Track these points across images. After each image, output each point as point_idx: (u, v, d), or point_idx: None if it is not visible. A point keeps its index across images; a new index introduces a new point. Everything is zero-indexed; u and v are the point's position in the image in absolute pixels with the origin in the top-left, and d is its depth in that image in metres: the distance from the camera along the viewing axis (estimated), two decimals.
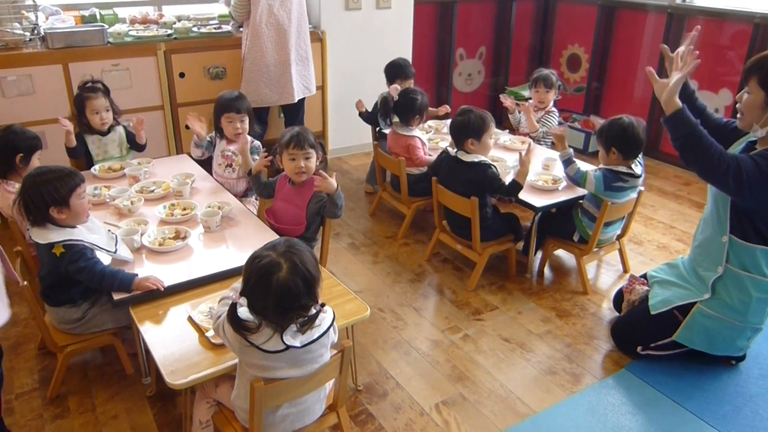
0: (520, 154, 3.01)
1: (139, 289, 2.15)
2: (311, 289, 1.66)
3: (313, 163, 2.68)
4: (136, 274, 2.19)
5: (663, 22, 4.75)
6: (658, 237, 3.71)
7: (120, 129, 3.30)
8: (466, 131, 3.00)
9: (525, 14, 5.69)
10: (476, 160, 2.99)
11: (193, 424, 2.01)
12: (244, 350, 1.71)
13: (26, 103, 3.55)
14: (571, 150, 3.09)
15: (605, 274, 3.31)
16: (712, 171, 2.14)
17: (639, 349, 2.57)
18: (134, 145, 3.35)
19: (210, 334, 1.98)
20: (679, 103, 2.19)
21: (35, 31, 3.68)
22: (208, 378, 1.88)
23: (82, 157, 3.24)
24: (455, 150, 3.08)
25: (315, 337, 1.70)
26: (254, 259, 1.68)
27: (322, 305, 1.73)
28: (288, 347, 1.66)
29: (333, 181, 2.55)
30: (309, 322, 1.68)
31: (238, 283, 1.89)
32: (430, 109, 4.23)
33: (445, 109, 4.18)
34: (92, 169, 3.13)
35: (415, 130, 3.60)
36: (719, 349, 2.48)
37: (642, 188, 3.03)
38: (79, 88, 3.19)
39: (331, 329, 1.77)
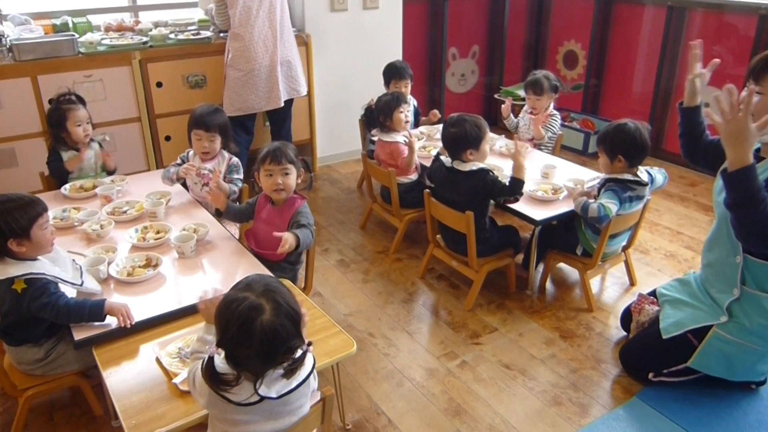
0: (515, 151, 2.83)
1: (111, 314, 1.97)
2: (298, 328, 1.48)
3: (292, 179, 2.48)
4: (104, 299, 2.01)
5: (663, 16, 4.55)
6: (665, 245, 3.51)
7: (95, 146, 3.10)
8: (465, 143, 2.81)
9: (519, 10, 5.48)
10: (474, 168, 2.80)
11: None
12: (213, 403, 1.52)
13: None
14: (584, 199, 2.75)
15: (610, 288, 3.12)
16: (757, 239, 1.95)
17: (651, 375, 2.38)
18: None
19: (178, 380, 1.79)
20: (750, 157, 1.86)
21: (1, 43, 3.47)
22: None
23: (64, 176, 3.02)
24: (450, 161, 2.89)
25: (293, 386, 1.51)
26: (230, 303, 1.47)
27: (309, 343, 1.54)
28: (262, 398, 1.47)
29: (293, 242, 2.30)
30: (297, 365, 1.49)
31: (207, 335, 1.70)
32: (422, 119, 4.06)
33: (435, 115, 3.99)
34: (62, 189, 2.93)
35: (397, 136, 3.40)
36: (738, 374, 2.29)
37: (649, 197, 2.84)
38: (56, 102, 2.97)
39: (312, 376, 1.58)
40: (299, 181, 2.53)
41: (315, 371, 1.63)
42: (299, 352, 1.52)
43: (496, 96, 5.43)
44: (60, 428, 2.25)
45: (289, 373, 1.50)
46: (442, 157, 2.94)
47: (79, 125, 2.93)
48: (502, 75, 5.59)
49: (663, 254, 3.41)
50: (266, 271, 2.28)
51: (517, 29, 5.55)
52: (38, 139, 3.46)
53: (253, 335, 1.42)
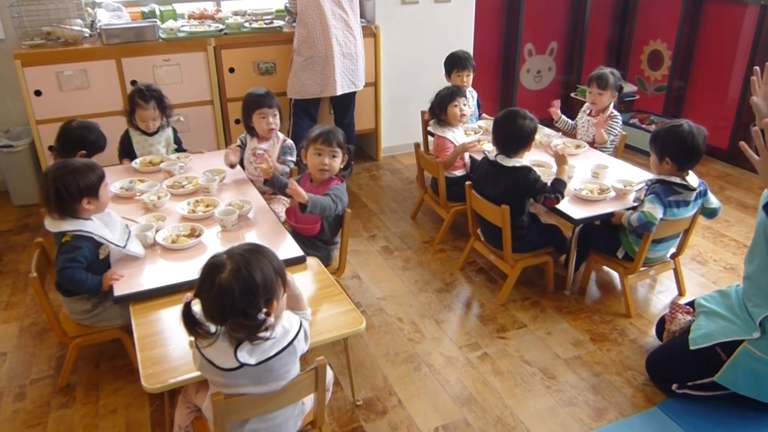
0: (557, 153, 2.86)
1: (106, 287, 2.18)
2: (251, 297, 1.53)
3: (338, 163, 2.62)
4: (101, 278, 2.20)
5: (755, 16, 4.25)
6: (727, 257, 3.31)
7: (168, 131, 3.34)
8: (531, 137, 2.83)
9: (602, 6, 5.29)
10: (518, 164, 2.79)
11: (174, 427, 1.98)
12: (204, 367, 1.65)
13: (82, 97, 3.70)
14: (627, 214, 2.68)
15: (658, 297, 2.99)
16: None
17: (674, 386, 2.28)
18: (179, 149, 3.40)
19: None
20: None
21: (93, 27, 3.82)
22: (183, 384, 1.84)
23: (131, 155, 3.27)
24: (495, 154, 2.88)
25: (272, 354, 1.60)
26: (211, 257, 1.61)
27: (267, 314, 1.58)
28: (242, 365, 1.57)
29: (303, 195, 2.41)
30: (253, 330, 1.56)
31: None
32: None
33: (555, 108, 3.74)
34: (133, 163, 3.20)
35: (447, 131, 3.41)
36: None
37: (698, 207, 2.69)
38: (135, 91, 3.18)
39: (297, 341, 1.67)
40: (341, 165, 2.65)
41: (304, 338, 1.71)
42: (258, 320, 1.56)
43: (572, 95, 5.28)
44: (103, 376, 2.48)
45: (249, 337, 1.57)
46: (486, 152, 2.94)
47: (143, 121, 3.20)
48: (580, 74, 5.43)
49: (722, 266, 3.22)
50: (297, 249, 2.40)
51: (599, 26, 5.36)
52: (120, 116, 3.76)
53: (212, 288, 1.52)
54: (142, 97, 3.16)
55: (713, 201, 2.74)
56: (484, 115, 4.05)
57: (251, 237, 2.51)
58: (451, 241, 3.48)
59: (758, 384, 2.12)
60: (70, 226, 2.20)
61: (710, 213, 2.76)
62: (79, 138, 2.89)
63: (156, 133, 3.29)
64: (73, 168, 2.20)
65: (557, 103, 3.69)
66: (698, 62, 4.82)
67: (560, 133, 3.68)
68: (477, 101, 3.98)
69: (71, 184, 2.15)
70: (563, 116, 3.70)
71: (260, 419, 1.73)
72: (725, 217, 3.72)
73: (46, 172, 2.23)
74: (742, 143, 1.93)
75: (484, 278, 3.14)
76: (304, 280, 2.27)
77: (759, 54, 4.27)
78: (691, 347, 2.21)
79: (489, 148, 3.13)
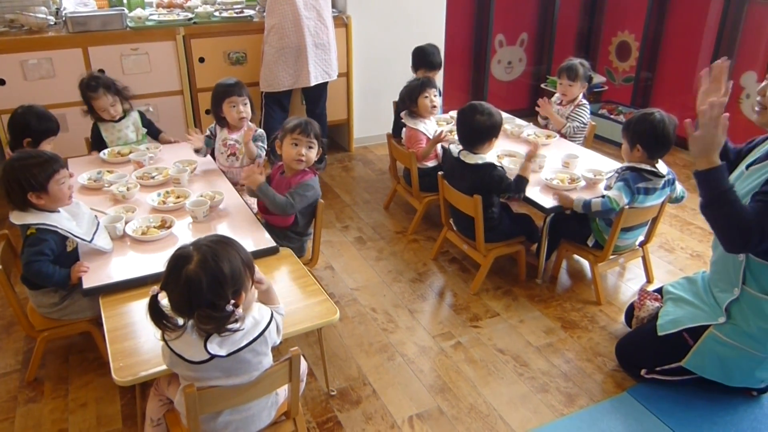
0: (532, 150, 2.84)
1: (75, 280, 2.14)
2: (219, 288, 1.52)
3: (314, 154, 2.61)
4: (69, 271, 2.16)
5: (720, 8, 4.33)
6: (694, 244, 3.38)
7: (134, 114, 3.29)
8: (491, 133, 2.81)
9: None
10: (480, 161, 2.80)
11: (146, 420, 1.96)
12: (174, 363, 1.62)
13: (47, 86, 3.61)
14: (582, 197, 2.73)
15: (627, 284, 3.05)
16: (731, 239, 1.96)
17: (643, 372, 2.33)
18: (150, 131, 3.35)
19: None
20: (717, 159, 1.92)
21: (58, 15, 3.72)
22: (155, 377, 1.81)
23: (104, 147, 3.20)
24: (458, 149, 2.89)
25: (242, 344, 1.59)
26: (177, 249, 1.59)
27: (235, 305, 1.56)
28: (212, 356, 1.56)
29: (259, 177, 2.48)
30: (221, 322, 1.55)
31: None
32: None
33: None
34: (101, 153, 3.13)
35: (420, 123, 3.42)
36: (735, 379, 2.21)
37: (668, 194, 2.75)
38: (82, 84, 3.11)
39: (268, 332, 1.66)
40: (316, 157, 2.64)
41: (276, 330, 1.71)
42: (226, 311, 1.55)
43: (542, 86, 5.34)
44: (73, 369, 2.44)
45: (218, 329, 1.55)
46: (452, 146, 2.95)
47: (104, 110, 3.14)
48: (550, 64, 5.48)
49: (689, 254, 3.29)
50: (270, 240, 2.38)
51: (569, 17, 5.41)
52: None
53: (179, 280, 1.50)
54: (90, 88, 3.10)
55: (678, 189, 2.79)
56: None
57: (223, 228, 2.49)
58: (424, 232, 3.50)
59: (724, 368, 2.18)
60: (34, 219, 2.15)
61: (675, 199, 2.82)
62: (23, 123, 2.81)
63: (123, 118, 3.23)
64: (20, 163, 2.14)
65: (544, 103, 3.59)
66: (665, 53, 4.90)
67: (531, 123, 3.71)
68: (439, 90, 3.98)
69: (13, 180, 2.11)
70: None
71: (233, 411, 1.72)
72: (691, 205, 3.80)
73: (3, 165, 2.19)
74: (687, 120, 2.00)
75: (457, 268, 3.16)
76: (278, 272, 2.26)
77: (723, 44, 4.36)
78: (659, 333, 2.26)
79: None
